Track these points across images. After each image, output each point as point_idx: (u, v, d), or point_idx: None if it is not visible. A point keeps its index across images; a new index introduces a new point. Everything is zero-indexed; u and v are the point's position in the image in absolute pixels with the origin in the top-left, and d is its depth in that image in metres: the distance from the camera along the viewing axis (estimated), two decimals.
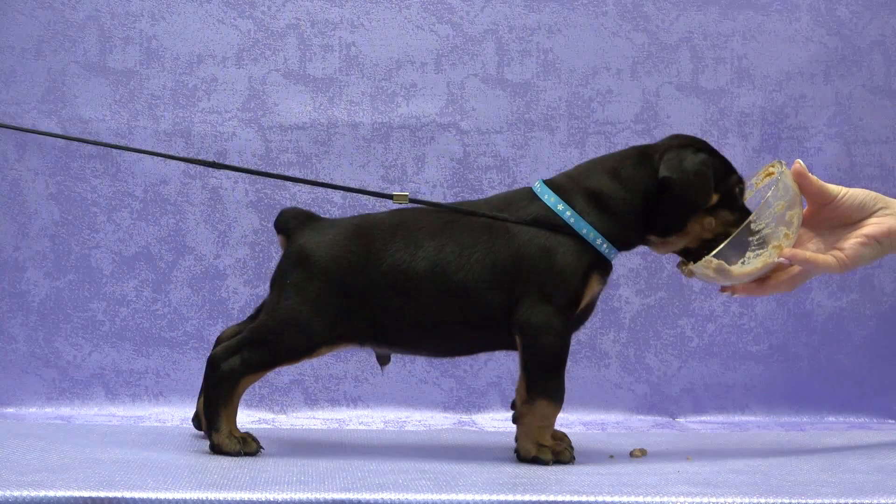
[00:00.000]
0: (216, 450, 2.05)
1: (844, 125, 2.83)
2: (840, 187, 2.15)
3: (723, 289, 2.14)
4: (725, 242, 2.06)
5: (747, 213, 2.11)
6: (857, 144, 2.83)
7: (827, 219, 2.16)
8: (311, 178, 2.75)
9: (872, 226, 2.13)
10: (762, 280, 2.13)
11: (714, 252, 2.06)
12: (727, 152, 2.81)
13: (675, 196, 2.07)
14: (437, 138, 2.79)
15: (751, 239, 2.07)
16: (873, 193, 2.15)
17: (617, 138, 2.79)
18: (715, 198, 2.09)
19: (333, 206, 2.75)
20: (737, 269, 2.07)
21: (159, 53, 2.76)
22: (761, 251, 2.08)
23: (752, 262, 2.08)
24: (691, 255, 2.13)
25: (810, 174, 2.13)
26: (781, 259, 2.08)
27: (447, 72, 2.79)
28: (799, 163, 2.13)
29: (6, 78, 2.74)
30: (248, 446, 2.05)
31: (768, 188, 2.11)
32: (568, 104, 2.80)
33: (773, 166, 2.16)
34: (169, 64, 2.76)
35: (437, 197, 2.76)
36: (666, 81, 2.81)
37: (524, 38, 2.80)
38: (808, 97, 2.83)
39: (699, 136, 2.79)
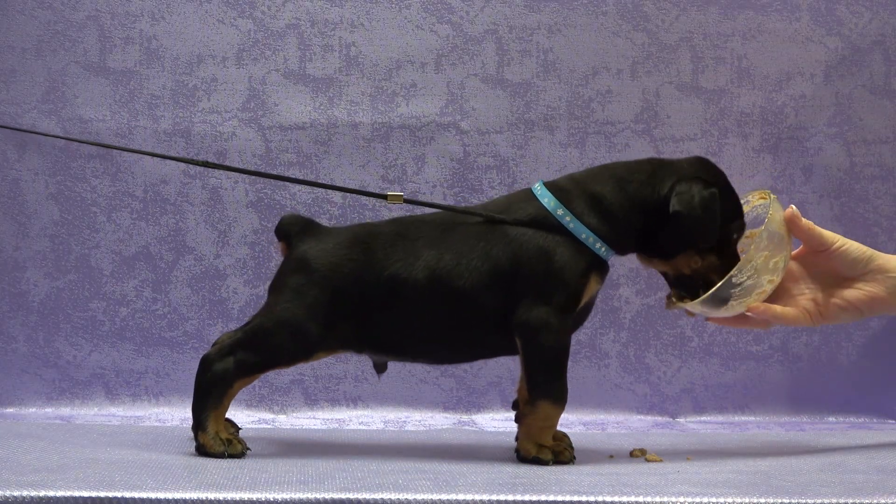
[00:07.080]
0: (201, 450, 2.04)
1: (844, 125, 2.83)
2: (836, 237, 2.13)
3: (689, 313, 2.14)
4: (706, 295, 2.05)
5: (736, 258, 2.09)
6: (857, 144, 2.83)
7: (818, 264, 2.15)
8: (311, 178, 2.75)
9: (857, 292, 2.12)
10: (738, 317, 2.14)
11: (697, 300, 2.06)
12: (727, 152, 2.83)
13: (679, 231, 2.06)
14: (437, 138, 2.79)
15: (732, 291, 2.06)
16: (868, 251, 2.13)
17: (617, 138, 2.79)
18: None
19: (333, 207, 2.75)
20: (718, 313, 2.09)
21: (159, 53, 2.76)
22: (744, 300, 2.07)
23: (735, 309, 2.08)
24: (669, 281, 2.14)
25: (803, 220, 2.11)
26: (749, 314, 2.10)
27: (447, 72, 2.79)
28: (792, 208, 2.11)
29: (6, 78, 2.74)
30: (233, 448, 2.04)
31: (751, 242, 2.10)
32: (568, 104, 2.80)
33: (765, 195, 2.16)
34: (169, 64, 2.76)
35: (437, 197, 2.76)
36: (666, 81, 2.81)
37: (524, 38, 2.80)
38: (808, 97, 2.83)
39: (699, 136, 2.83)
